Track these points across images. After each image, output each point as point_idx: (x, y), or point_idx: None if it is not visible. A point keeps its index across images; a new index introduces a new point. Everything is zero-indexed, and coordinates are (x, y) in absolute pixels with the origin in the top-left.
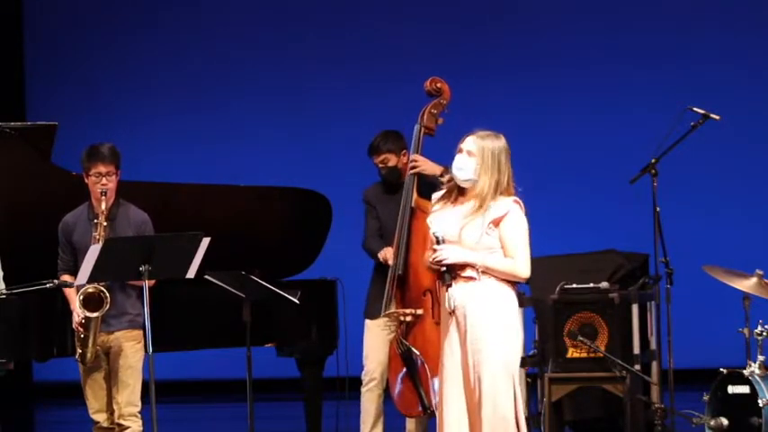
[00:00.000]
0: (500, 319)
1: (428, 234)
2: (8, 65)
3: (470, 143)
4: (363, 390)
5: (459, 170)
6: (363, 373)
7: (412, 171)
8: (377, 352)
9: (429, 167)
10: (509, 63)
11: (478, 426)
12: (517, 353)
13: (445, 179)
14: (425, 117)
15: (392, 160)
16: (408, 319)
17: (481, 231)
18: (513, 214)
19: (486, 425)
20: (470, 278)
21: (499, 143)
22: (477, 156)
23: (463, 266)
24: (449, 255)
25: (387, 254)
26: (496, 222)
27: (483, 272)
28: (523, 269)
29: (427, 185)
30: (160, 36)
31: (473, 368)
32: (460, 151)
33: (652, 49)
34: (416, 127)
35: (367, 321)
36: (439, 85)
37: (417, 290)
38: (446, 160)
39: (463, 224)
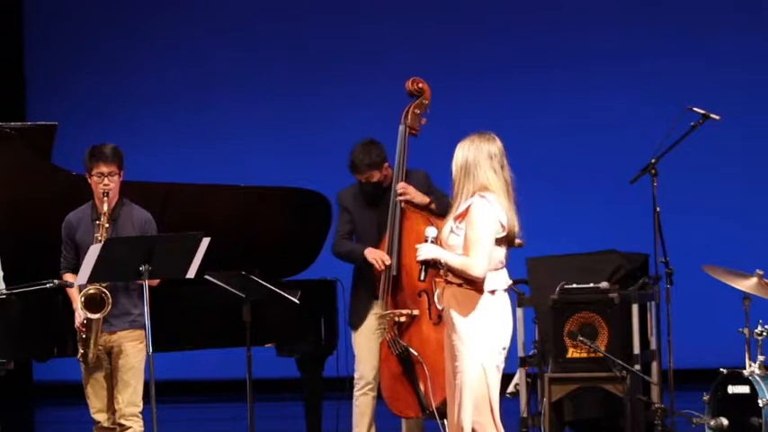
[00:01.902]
0: (461, 327)
1: (420, 234)
2: (8, 65)
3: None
4: (357, 393)
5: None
6: (357, 377)
7: (400, 198)
8: (370, 355)
9: (418, 197)
10: (508, 63)
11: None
12: (484, 362)
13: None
14: (409, 117)
15: (375, 176)
16: (403, 319)
17: (450, 229)
18: (471, 209)
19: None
20: (447, 280)
21: (464, 150)
22: (453, 168)
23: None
24: (422, 252)
25: (382, 255)
26: (460, 218)
27: (449, 270)
28: (475, 267)
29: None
30: (160, 36)
31: None
32: None
33: (652, 49)
34: (401, 128)
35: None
36: (420, 85)
37: (411, 290)
38: (441, 161)
39: (445, 223)
